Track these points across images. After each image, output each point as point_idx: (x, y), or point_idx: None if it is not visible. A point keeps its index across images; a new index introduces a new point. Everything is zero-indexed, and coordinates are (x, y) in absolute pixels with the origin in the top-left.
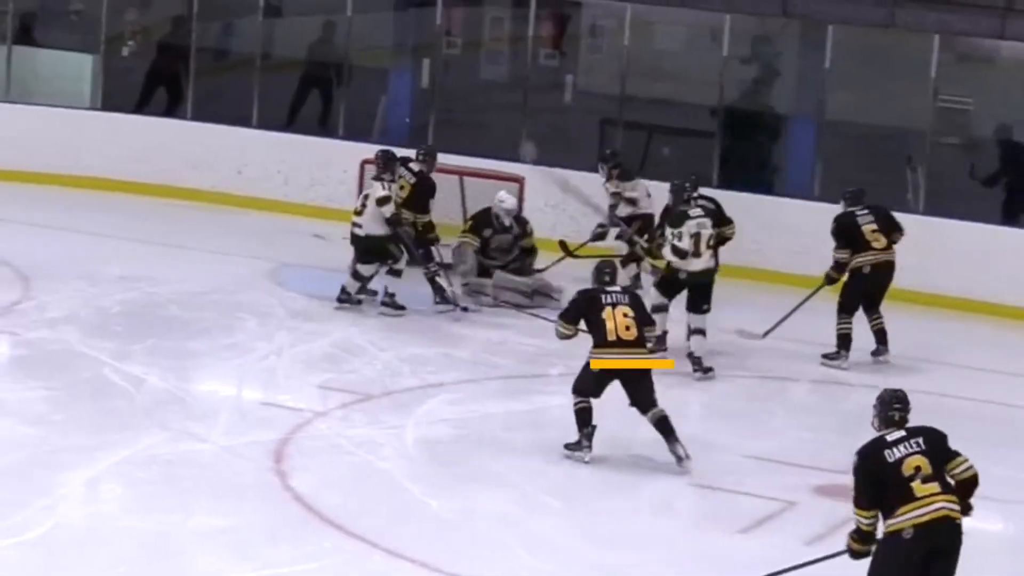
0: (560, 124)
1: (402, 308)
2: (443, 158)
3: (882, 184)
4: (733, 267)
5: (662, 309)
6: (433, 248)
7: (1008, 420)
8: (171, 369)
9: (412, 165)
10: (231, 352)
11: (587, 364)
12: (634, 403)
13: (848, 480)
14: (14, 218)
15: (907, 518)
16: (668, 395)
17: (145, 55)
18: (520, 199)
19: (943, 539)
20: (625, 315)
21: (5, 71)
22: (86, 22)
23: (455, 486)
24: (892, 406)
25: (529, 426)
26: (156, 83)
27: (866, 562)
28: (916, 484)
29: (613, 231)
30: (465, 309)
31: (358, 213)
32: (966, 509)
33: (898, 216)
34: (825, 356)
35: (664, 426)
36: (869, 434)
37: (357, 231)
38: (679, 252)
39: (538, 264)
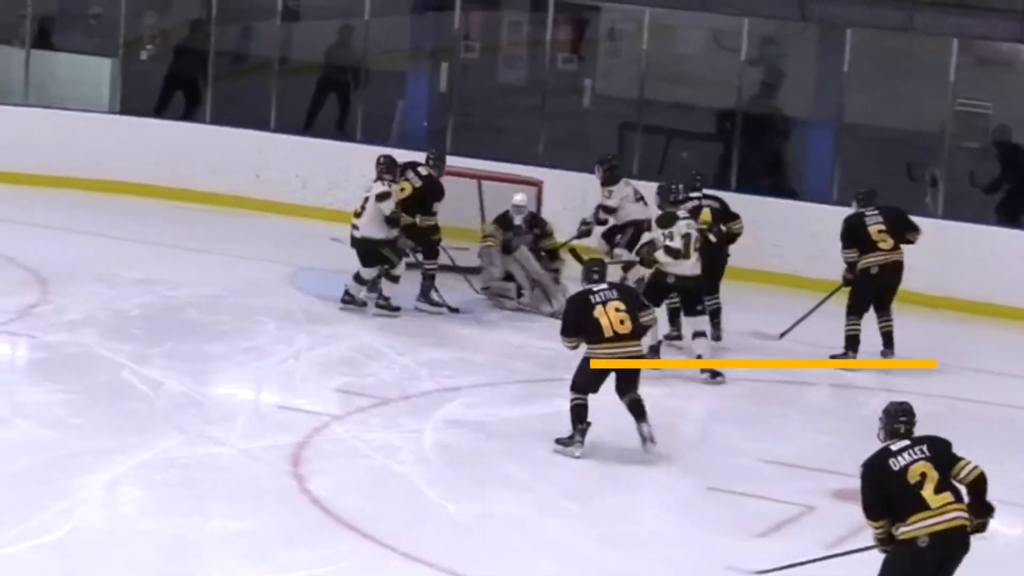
0: (578, 128)
1: (396, 309)
2: (461, 162)
3: (901, 188)
4: (752, 271)
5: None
6: (441, 248)
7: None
8: (189, 372)
9: (420, 169)
10: (249, 355)
11: (585, 360)
12: (619, 389)
13: None
14: (33, 221)
15: (921, 526)
16: (684, 400)
17: (164, 59)
18: (538, 203)
19: (956, 548)
20: (617, 309)
21: (24, 75)
22: (105, 26)
23: (473, 490)
24: (898, 419)
25: (547, 430)
26: (174, 87)
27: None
28: (928, 493)
29: (599, 230)
30: (455, 310)
31: (357, 215)
32: (987, 510)
33: (916, 220)
34: (833, 357)
35: (636, 408)
36: None
37: (355, 232)
38: (673, 252)
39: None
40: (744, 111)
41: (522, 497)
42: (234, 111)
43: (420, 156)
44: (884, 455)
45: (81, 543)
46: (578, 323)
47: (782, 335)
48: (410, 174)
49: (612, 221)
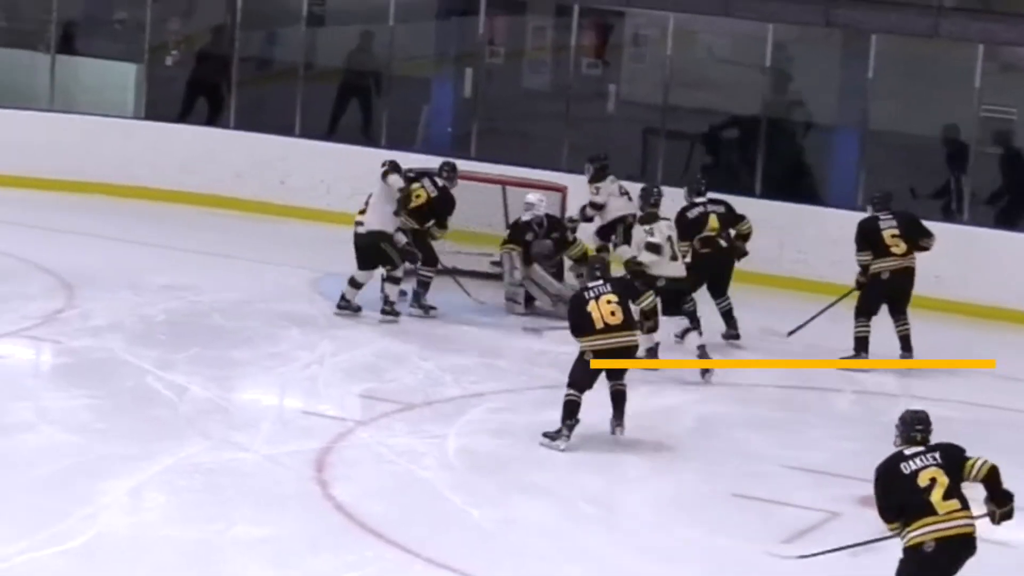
0: (603, 134)
1: (397, 314)
2: (485, 167)
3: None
4: (777, 277)
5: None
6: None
7: None
8: (214, 378)
9: (436, 179)
10: (273, 361)
11: (580, 355)
12: (608, 375)
13: None
14: (58, 227)
15: (927, 531)
16: (708, 406)
17: (188, 64)
18: (562, 209)
19: (963, 553)
20: (608, 302)
21: (49, 80)
22: (130, 31)
23: (496, 495)
24: (914, 427)
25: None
26: (196, 93)
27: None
28: (936, 499)
29: (591, 228)
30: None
31: (362, 212)
32: (1007, 497)
33: (943, 226)
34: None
35: (618, 398)
36: None
37: (359, 229)
38: (654, 247)
39: None
40: (768, 116)
41: (546, 503)
42: (259, 116)
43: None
44: (896, 459)
45: (105, 549)
46: (579, 321)
47: (790, 334)
48: (426, 182)
49: (597, 218)
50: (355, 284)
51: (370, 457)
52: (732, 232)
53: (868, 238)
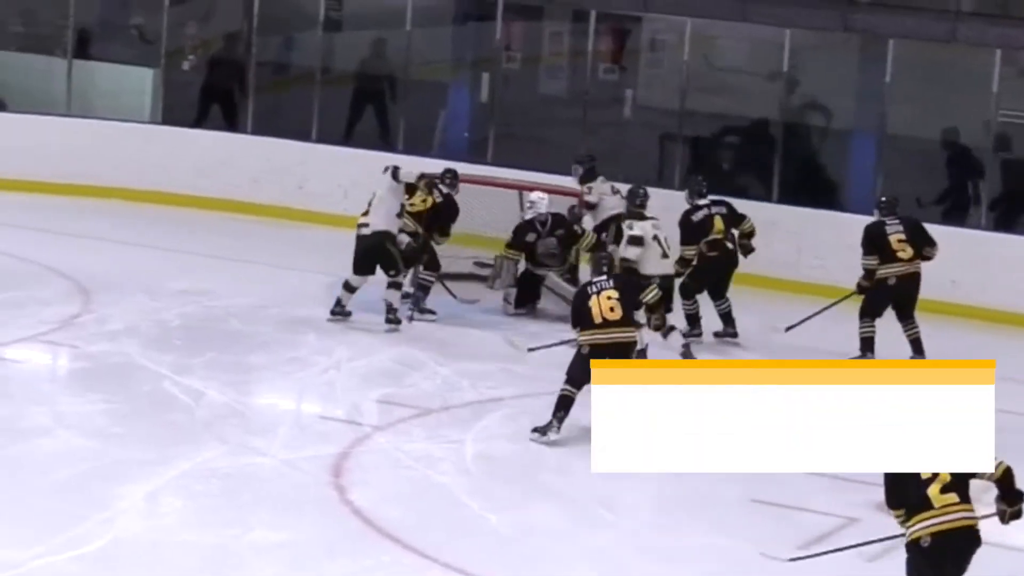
0: (619, 139)
1: (399, 321)
2: (502, 172)
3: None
4: (793, 282)
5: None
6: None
7: None
8: (230, 383)
9: (440, 187)
10: (290, 366)
11: (578, 350)
12: None
13: None
14: (75, 231)
15: (924, 527)
16: None
17: (204, 69)
18: (579, 214)
19: (964, 546)
20: (608, 297)
21: (66, 85)
22: (146, 36)
23: (514, 501)
24: None
25: (587, 441)
26: (210, 99)
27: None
28: (933, 492)
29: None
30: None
31: (364, 215)
32: (1018, 496)
33: (961, 231)
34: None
35: None
36: None
37: (364, 231)
38: (635, 240)
39: None
40: (785, 121)
41: (564, 508)
42: (276, 121)
43: (461, 167)
44: None
45: (122, 553)
46: (579, 313)
47: (788, 329)
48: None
49: (589, 217)
50: (350, 288)
51: (387, 462)
52: (735, 232)
53: (875, 243)
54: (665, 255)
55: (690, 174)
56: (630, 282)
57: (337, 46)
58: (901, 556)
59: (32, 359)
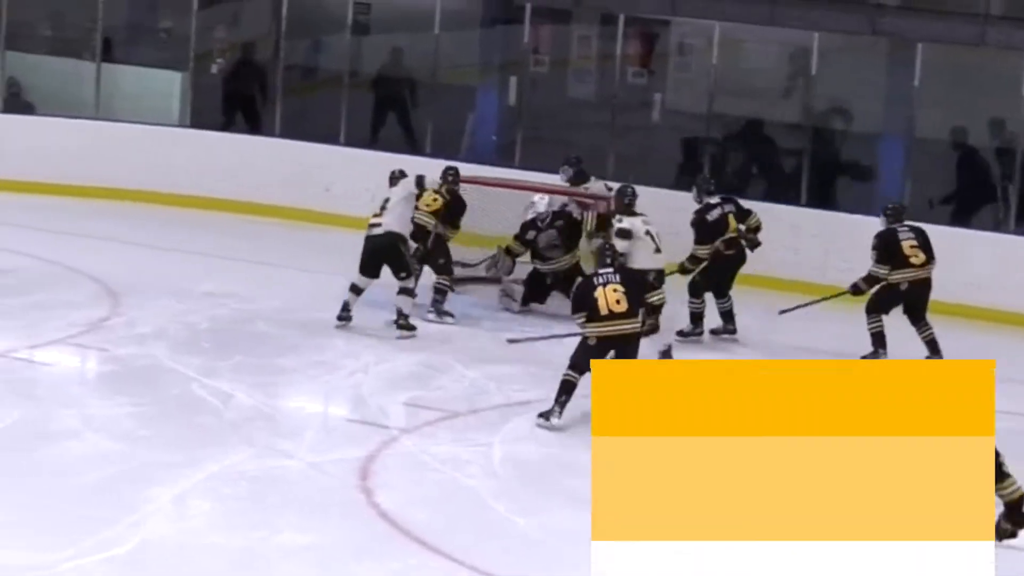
0: (648, 143)
1: (414, 328)
2: (529, 176)
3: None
4: (821, 285)
5: None
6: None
7: None
8: (258, 385)
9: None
10: (318, 369)
11: (584, 339)
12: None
13: None
14: (103, 235)
15: None
16: None
17: (228, 74)
18: (608, 216)
19: None
20: (615, 290)
21: (94, 88)
22: (175, 40)
23: (541, 504)
24: None
25: None
26: (233, 104)
27: None
28: None
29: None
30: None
31: (376, 216)
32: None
33: (988, 235)
34: (864, 358)
35: None
36: None
37: (376, 231)
38: (623, 233)
39: None
40: (814, 125)
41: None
42: (304, 125)
43: (489, 170)
44: None
45: (150, 556)
46: (582, 302)
47: (782, 312)
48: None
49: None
50: (356, 290)
51: (414, 465)
52: (743, 227)
53: (889, 249)
54: (658, 250)
55: (712, 176)
56: (634, 279)
57: (365, 50)
58: None
59: (61, 362)
